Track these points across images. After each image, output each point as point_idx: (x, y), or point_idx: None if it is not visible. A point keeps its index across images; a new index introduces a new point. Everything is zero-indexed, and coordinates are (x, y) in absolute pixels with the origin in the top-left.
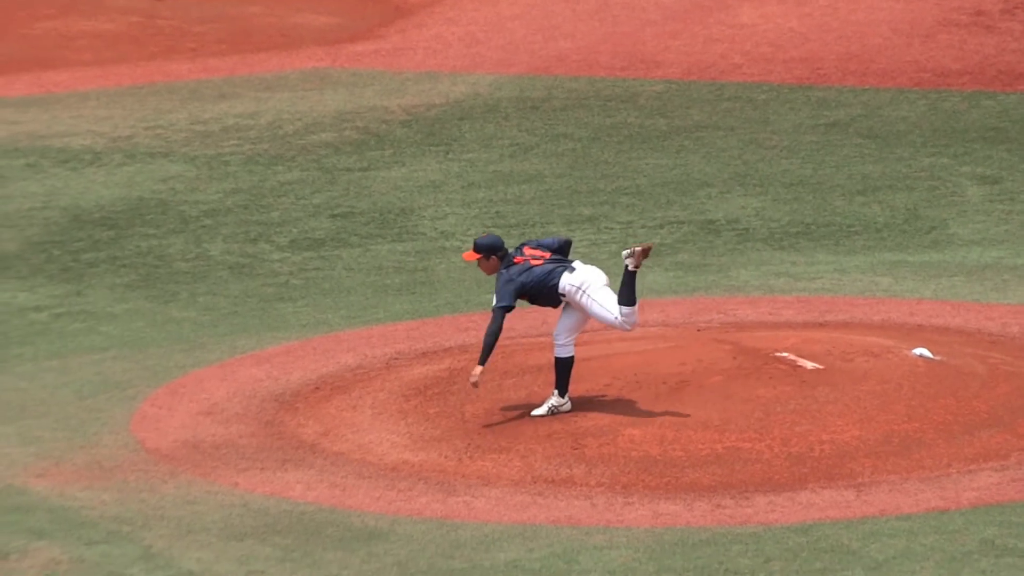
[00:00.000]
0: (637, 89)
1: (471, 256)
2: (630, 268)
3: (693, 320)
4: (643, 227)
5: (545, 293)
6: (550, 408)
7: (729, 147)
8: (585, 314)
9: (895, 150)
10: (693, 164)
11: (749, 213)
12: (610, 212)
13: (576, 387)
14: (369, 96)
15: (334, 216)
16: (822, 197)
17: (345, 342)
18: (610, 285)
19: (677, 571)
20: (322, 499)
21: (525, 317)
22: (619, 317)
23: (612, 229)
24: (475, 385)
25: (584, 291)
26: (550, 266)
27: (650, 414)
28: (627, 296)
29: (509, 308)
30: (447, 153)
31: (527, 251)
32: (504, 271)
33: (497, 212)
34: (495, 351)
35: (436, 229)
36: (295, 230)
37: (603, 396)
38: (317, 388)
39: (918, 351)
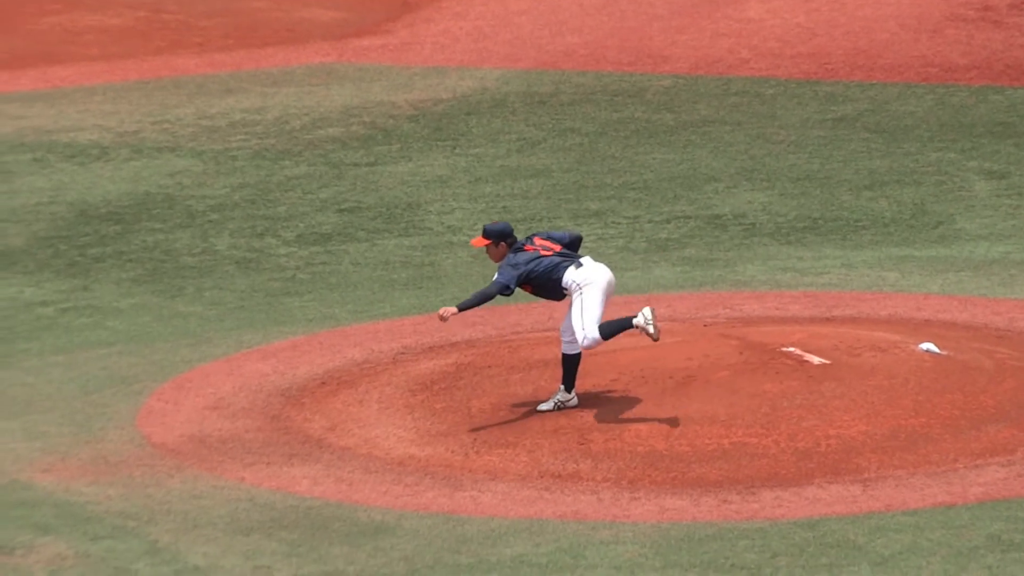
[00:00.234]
0: (644, 84)
1: (480, 242)
2: (652, 333)
3: (699, 315)
4: (650, 222)
5: (549, 286)
6: (556, 403)
7: (736, 142)
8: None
9: (902, 145)
10: (700, 159)
11: (756, 208)
12: (617, 207)
13: (582, 382)
14: (376, 91)
15: (341, 211)
16: (829, 192)
17: (352, 337)
18: (615, 283)
19: (683, 566)
20: (328, 494)
21: (531, 312)
22: (585, 336)
23: (619, 224)
24: (442, 319)
25: (582, 290)
26: (557, 259)
27: (656, 409)
28: (608, 333)
29: (507, 289)
30: (454, 148)
31: (537, 241)
32: (511, 256)
33: (504, 207)
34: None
35: (443, 224)
36: (302, 225)
37: (609, 391)
38: (323, 383)
39: (925, 346)
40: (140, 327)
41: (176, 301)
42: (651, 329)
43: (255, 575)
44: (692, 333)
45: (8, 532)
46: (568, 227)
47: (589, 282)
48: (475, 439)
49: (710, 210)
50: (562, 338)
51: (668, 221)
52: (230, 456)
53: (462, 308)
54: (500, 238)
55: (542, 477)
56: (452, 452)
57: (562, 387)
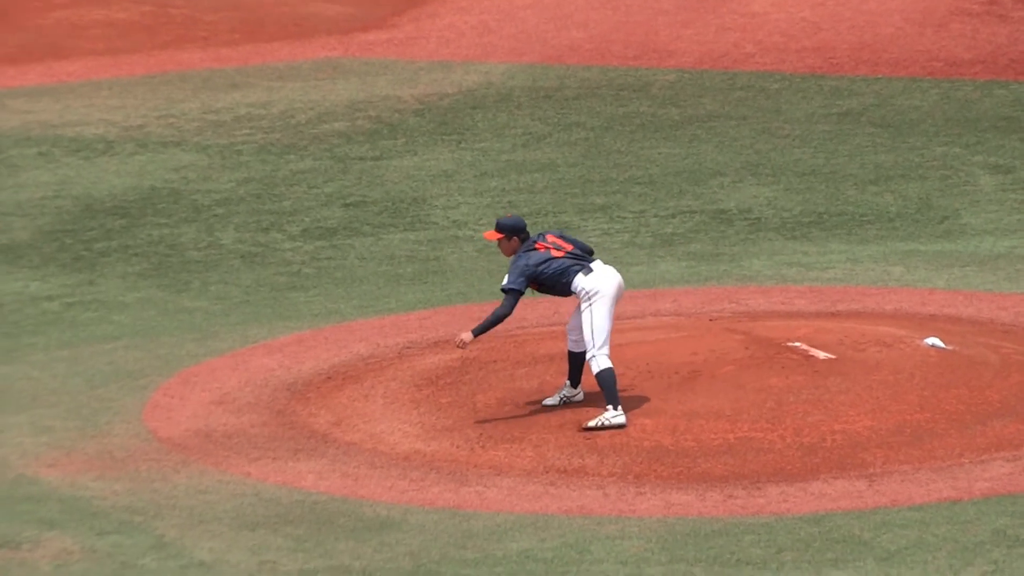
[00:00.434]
0: (649, 78)
1: (493, 235)
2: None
3: (705, 310)
4: (655, 216)
5: (558, 288)
6: (601, 422)
7: (741, 136)
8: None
9: (908, 139)
10: (705, 153)
11: (761, 203)
12: (622, 201)
13: (588, 377)
14: (382, 85)
15: (346, 205)
16: (834, 186)
17: (357, 331)
18: (624, 286)
19: (689, 561)
20: (334, 489)
21: (537, 307)
22: (596, 360)
23: (624, 218)
24: (460, 346)
25: (591, 301)
26: (568, 262)
27: (662, 404)
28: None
29: (520, 293)
30: (460, 142)
31: (550, 238)
32: (523, 254)
33: (510, 201)
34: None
35: (448, 218)
36: (307, 219)
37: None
38: (329, 377)
39: (930, 341)
40: (145, 321)
41: (181, 296)
42: (600, 422)
43: (261, 570)
44: (698, 328)
45: (14, 527)
46: (575, 225)
47: (598, 291)
48: (480, 434)
49: (715, 205)
50: (569, 336)
51: (673, 216)
52: (236, 451)
53: (478, 333)
54: (513, 232)
55: (548, 472)
56: (457, 447)
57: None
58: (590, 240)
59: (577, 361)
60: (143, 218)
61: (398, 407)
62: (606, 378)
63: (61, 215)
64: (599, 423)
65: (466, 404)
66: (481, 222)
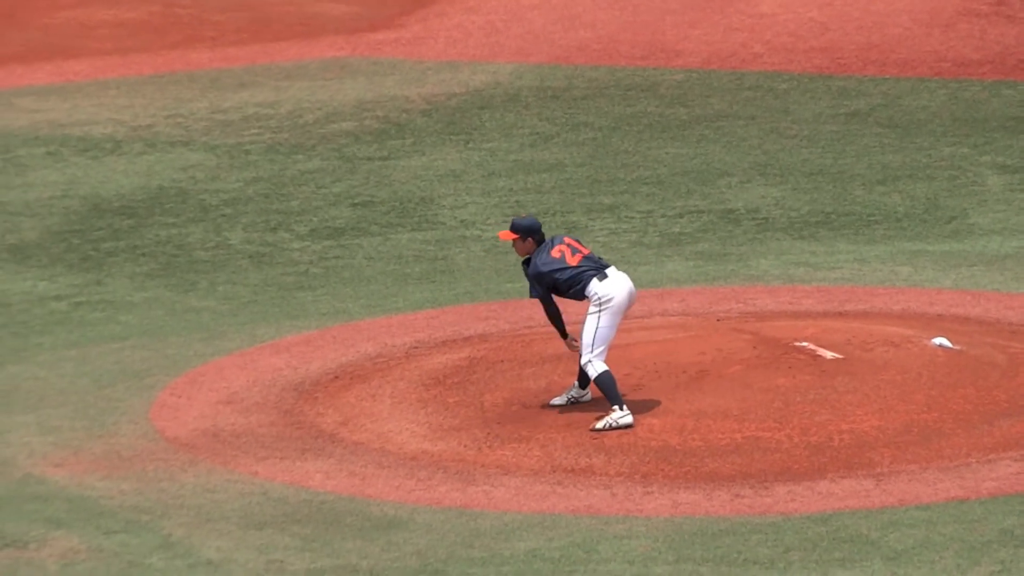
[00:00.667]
0: (657, 78)
1: (507, 235)
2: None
3: (713, 309)
4: (663, 216)
5: (571, 294)
6: (608, 424)
7: (749, 136)
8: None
9: (915, 139)
10: (713, 153)
11: (769, 202)
12: (630, 201)
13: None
14: (389, 85)
15: (354, 205)
16: (842, 186)
17: (365, 331)
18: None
19: (696, 561)
20: (341, 488)
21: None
22: (591, 364)
23: (632, 218)
24: (572, 348)
25: (602, 307)
26: (583, 268)
27: (669, 404)
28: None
29: (543, 297)
30: (467, 142)
31: (568, 240)
32: (536, 261)
33: (517, 201)
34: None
35: (456, 218)
36: (315, 219)
37: (622, 385)
38: (336, 377)
39: (938, 341)
40: (153, 321)
41: (189, 295)
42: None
43: (268, 569)
44: (705, 327)
45: (21, 526)
46: (582, 225)
47: (612, 299)
48: (488, 434)
49: (723, 205)
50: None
51: (681, 215)
52: (243, 450)
53: (563, 334)
54: (528, 234)
55: (555, 472)
56: (465, 447)
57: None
58: (597, 240)
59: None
60: (151, 218)
61: (405, 407)
62: (605, 381)
63: (69, 215)
64: (606, 424)
65: (473, 404)
66: (489, 222)
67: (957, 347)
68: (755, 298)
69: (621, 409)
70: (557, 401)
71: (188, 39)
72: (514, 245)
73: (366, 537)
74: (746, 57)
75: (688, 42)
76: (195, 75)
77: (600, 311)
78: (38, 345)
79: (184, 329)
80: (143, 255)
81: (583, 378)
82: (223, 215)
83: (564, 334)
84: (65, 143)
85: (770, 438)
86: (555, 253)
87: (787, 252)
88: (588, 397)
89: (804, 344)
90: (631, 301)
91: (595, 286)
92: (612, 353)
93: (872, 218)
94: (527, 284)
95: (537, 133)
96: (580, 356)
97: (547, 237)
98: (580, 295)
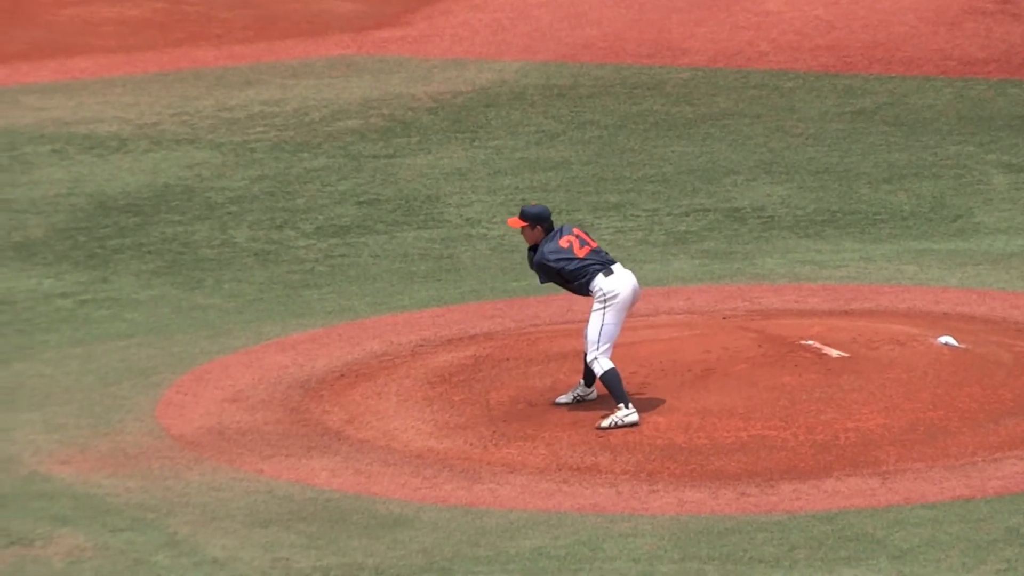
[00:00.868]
0: (663, 76)
1: (516, 223)
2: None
3: (718, 308)
4: (669, 214)
5: (575, 286)
6: (614, 422)
7: (755, 135)
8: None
9: (921, 138)
10: (719, 152)
11: (775, 201)
12: (636, 199)
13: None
14: (395, 83)
15: (360, 203)
16: (848, 185)
17: (370, 329)
18: (640, 291)
19: (702, 559)
20: (347, 486)
21: (550, 304)
22: (597, 362)
23: (638, 217)
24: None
25: (607, 303)
26: (589, 261)
27: (675, 402)
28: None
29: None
30: (473, 140)
31: (576, 231)
32: (544, 250)
33: (523, 199)
34: (509, 332)
35: (462, 216)
36: (321, 217)
37: (628, 384)
38: (342, 375)
39: (943, 339)
40: (159, 319)
41: (195, 293)
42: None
43: (274, 567)
44: (711, 326)
45: (27, 524)
46: (588, 223)
47: (617, 295)
48: (493, 432)
49: (729, 203)
50: (584, 337)
51: (687, 214)
52: (249, 448)
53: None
54: (537, 222)
55: (561, 470)
56: (471, 445)
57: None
58: (603, 238)
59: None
60: (157, 216)
61: (411, 405)
62: (611, 379)
63: (75, 212)
64: (612, 423)
65: (479, 402)
66: (495, 220)
67: (963, 346)
68: (761, 296)
69: (627, 407)
70: (563, 399)
71: (194, 37)
72: (522, 232)
73: (372, 535)
74: (752, 55)
75: (694, 40)
76: (201, 73)
77: (605, 308)
78: (44, 343)
79: (190, 327)
80: (149, 253)
81: (588, 376)
82: (229, 213)
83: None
84: (71, 141)
85: (776, 436)
86: (563, 243)
87: (793, 250)
88: (594, 395)
89: (810, 342)
90: (635, 298)
91: (600, 282)
92: (617, 351)
93: (878, 216)
94: (532, 281)
95: (543, 131)
96: (585, 353)
97: (555, 226)
98: (584, 289)
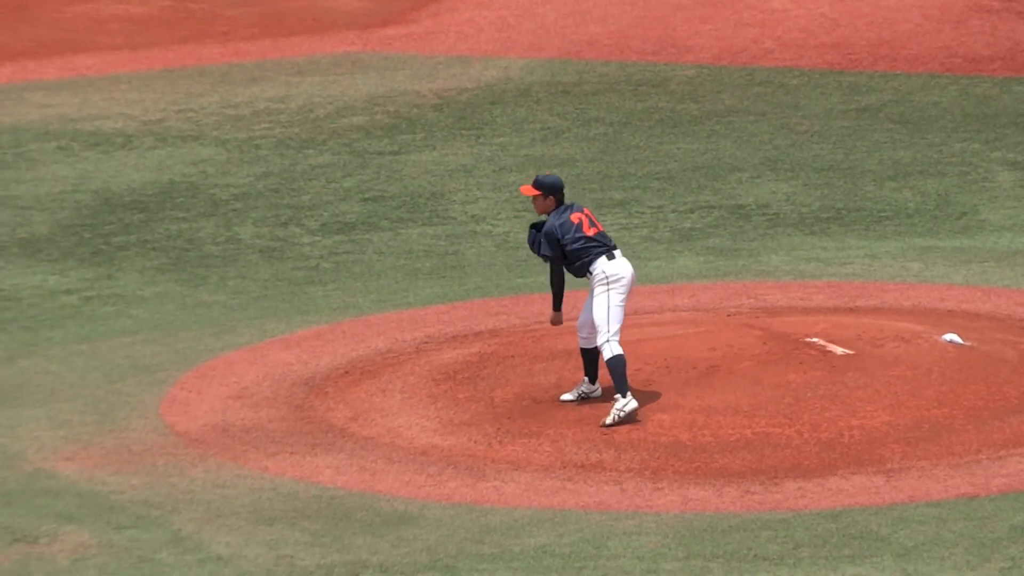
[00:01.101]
0: (668, 74)
1: (529, 191)
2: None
3: (723, 305)
4: (674, 211)
5: (576, 265)
6: (616, 416)
7: (760, 132)
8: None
9: (926, 135)
10: (724, 149)
11: (780, 198)
12: (641, 196)
13: (606, 373)
14: (400, 80)
15: (365, 200)
16: (853, 182)
17: (375, 326)
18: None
19: (706, 557)
20: (351, 483)
21: None
22: (609, 346)
23: (643, 213)
24: (557, 323)
25: (610, 286)
26: (594, 243)
27: (679, 399)
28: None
29: (556, 257)
30: (478, 137)
31: (587, 211)
32: (554, 221)
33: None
34: (514, 329)
35: (467, 213)
36: (326, 214)
37: (633, 381)
38: (347, 372)
39: (948, 337)
40: (164, 316)
41: (200, 290)
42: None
43: (278, 564)
44: (716, 323)
45: (32, 521)
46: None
47: (619, 279)
48: (498, 429)
49: (734, 200)
50: (579, 333)
51: (692, 211)
52: (253, 445)
53: (557, 307)
54: (550, 191)
55: (565, 467)
56: (475, 442)
57: (618, 396)
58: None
59: (591, 357)
60: (161, 212)
61: (416, 402)
62: (617, 365)
63: (80, 209)
64: (615, 418)
65: (484, 399)
66: (499, 216)
67: (968, 343)
68: (766, 294)
69: (624, 396)
70: (567, 397)
71: (199, 34)
72: (533, 201)
73: (376, 532)
74: (757, 53)
75: (699, 38)
76: (206, 70)
77: (608, 289)
78: (48, 339)
79: (194, 323)
80: (154, 249)
81: (591, 372)
82: (234, 210)
83: (559, 306)
84: (76, 138)
85: (780, 434)
86: (574, 218)
87: (798, 248)
88: (598, 392)
89: (814, 340)
90: (632, 282)
91: (603, 264)
92: (623, 348)
93: (883, 214)
94: (538, 278)
95: (548, 128)
96: (584, 350)
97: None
98: (583, 270)
